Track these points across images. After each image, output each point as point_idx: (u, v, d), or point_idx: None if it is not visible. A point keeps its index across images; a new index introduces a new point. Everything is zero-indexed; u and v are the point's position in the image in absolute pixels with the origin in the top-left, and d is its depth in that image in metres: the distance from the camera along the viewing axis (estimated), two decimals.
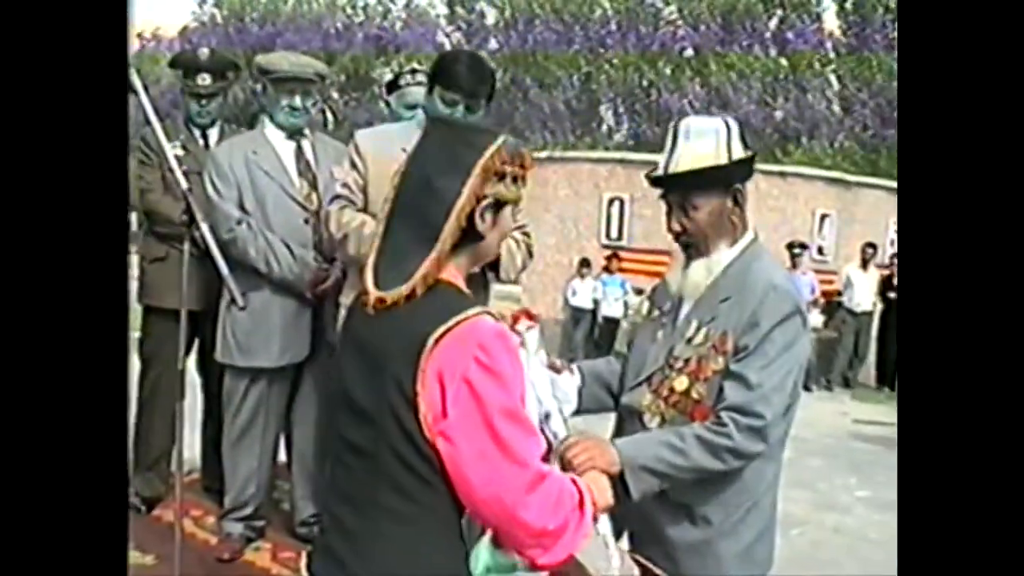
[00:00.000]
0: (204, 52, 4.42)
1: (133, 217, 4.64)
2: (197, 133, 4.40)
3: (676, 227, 2.41)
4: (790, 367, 2.30)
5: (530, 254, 3.60)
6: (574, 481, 1.88)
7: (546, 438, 2.25)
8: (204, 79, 4.30)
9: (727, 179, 2.38)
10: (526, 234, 3.52)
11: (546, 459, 2.24)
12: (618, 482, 2.24)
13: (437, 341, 1.70)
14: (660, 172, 2.40)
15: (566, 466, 2.22)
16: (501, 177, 1.82)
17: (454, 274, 1.84)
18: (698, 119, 2.43)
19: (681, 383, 2.36)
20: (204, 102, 4.35)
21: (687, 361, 2.36)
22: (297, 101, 3.83)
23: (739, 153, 2.37)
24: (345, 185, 3.48)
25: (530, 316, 2.37)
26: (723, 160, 2.35)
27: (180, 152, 3.90)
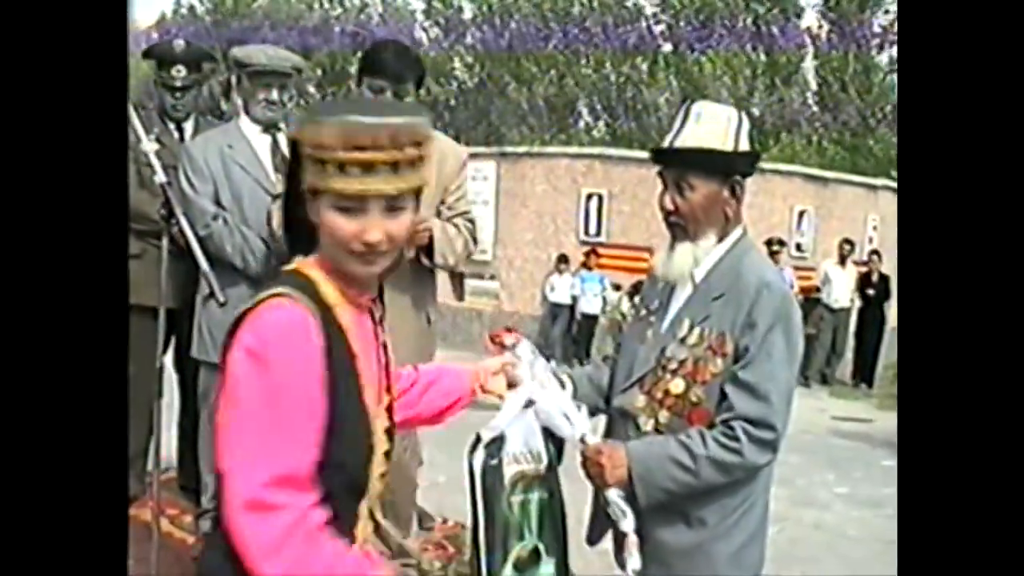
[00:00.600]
0: (180, 44, 4.36)
1: None
2: (172, 126, 4.35)
3: (668, 205, 2.36)
4: (792, 369, 2.29)
5: (473, 240, 3.57)
6: (368, 555, 1.66)
7: (558, 437, 2.26)
8: (179, 71, 4.25)
9: (728, 166, 2.34)
10: (470, 220, 3.48)
11: (560, 449, 2.25)
12: (627, 487, 2.24)
13: (237, 327, 1.58)
14: (664, 146, 2.36)
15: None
16: (320, 164, 1.55)
17: (318, 268, 1.65)
18: (712, 104, 2.41)
19: (677, 386, 2.31)
20: (179, 95, 4.30)
21: (682, 362, 2.31)
22: (274, 95, 3.81)
23: (745, 146, 2.35)
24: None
25: (510, 333, 2.35)
26: (728, 147, 2.32)
27: (156, 146, 3.86)
